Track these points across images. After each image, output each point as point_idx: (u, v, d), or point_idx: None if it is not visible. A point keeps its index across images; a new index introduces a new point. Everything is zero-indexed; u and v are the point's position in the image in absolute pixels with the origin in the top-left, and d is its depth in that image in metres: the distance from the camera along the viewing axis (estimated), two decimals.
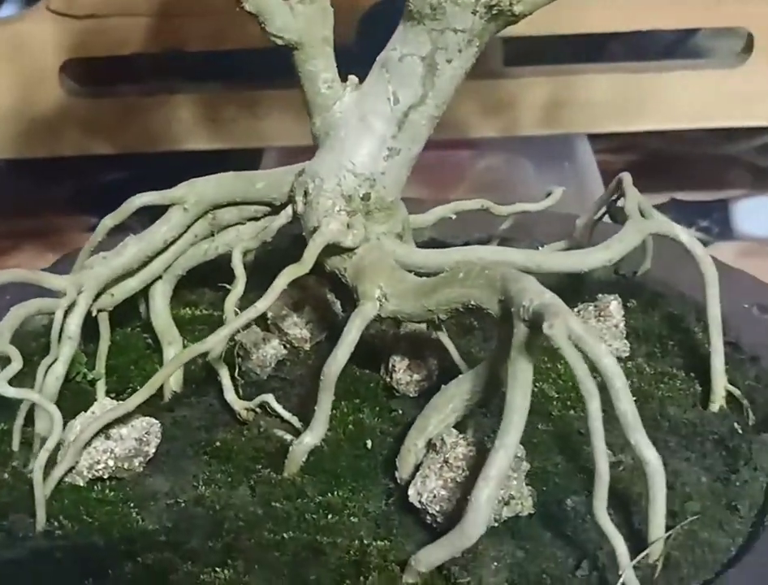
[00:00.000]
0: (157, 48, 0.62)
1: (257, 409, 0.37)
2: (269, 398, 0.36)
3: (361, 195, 0.36)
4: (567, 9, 0.58)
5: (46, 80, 0.63)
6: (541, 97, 0.63)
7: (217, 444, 0.36)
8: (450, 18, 0.35)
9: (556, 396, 0.37)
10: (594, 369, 0.29)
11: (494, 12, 0.35)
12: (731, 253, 0.68)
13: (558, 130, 0.63)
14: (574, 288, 0.42)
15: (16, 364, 0.32)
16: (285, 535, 0.33)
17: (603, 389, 0.29)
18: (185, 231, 0.38)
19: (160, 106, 0.64)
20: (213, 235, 0.39)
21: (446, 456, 0.32)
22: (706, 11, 0.60)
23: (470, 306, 0.33)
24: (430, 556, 0.30)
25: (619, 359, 0.39)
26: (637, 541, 0.31)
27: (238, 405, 0.37)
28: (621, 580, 0.29)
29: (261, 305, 0.34)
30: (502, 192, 0.46)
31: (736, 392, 0.37)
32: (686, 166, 0.77)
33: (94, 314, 0.37)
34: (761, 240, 0.69)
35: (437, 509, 0.32)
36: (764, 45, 0.60)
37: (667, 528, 0.31)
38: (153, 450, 0.35)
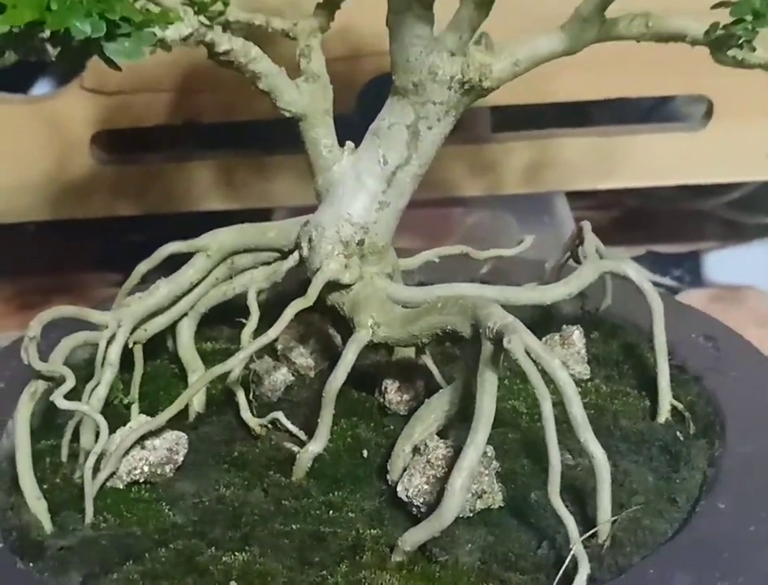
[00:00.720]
0: (177, 120, 0.69)
1: (269, 426, 0.43)
2: (280, 415, 0.42)
3: (357, 241, 0.42)
4: (544, 80, 0.65)
5: (78, 149, 0.69)
6: (523, 160, 0.69)
7: (235, 454, 0.42)
8: (430, 93, 0.42)
9: (525, 411, 0.43)
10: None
11: (467, 88, 0.42)
12: (702, 298, 0.74)
13: (538, 189, 0.69)
14: (544, 322, 0.48)
15: (70, 382, 0.38)
16: (293, 526, 0.38)
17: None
18: (207, 275, 0.45)
19: (179, 172, 0.70)
20: (231, 278, 0.45)
21: (429, 457, 0.38)
22: (670, 81, 0.66)
23: (447, 330, 0.39)
24: (414, 537, 0.36)
25: (581, 380, 0.45)
26: (590, 527, 0.37)
27: (252, 422, 0.43)
28: (571, 553, 0.34)
29: (273, 333, 0.40)
30: (488, 245, 0.51)
31: (679, 406, 0.42)
32: (661, 221, 0.83)
33: (130, 346, 0.44)
34: (729, 287, 0.75)
35: (421, 501, 0.37)
36: (722, 110, 0.67)
37: (616, 515, 0.37)
38: (181, 459, 0.41)
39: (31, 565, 0.36)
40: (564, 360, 0.45)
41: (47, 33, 0.32)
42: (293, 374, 0.46)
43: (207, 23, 0.40)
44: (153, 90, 0.68)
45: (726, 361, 0.45)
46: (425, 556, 0.36)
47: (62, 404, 0.37)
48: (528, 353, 0.35)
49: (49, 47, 0.35)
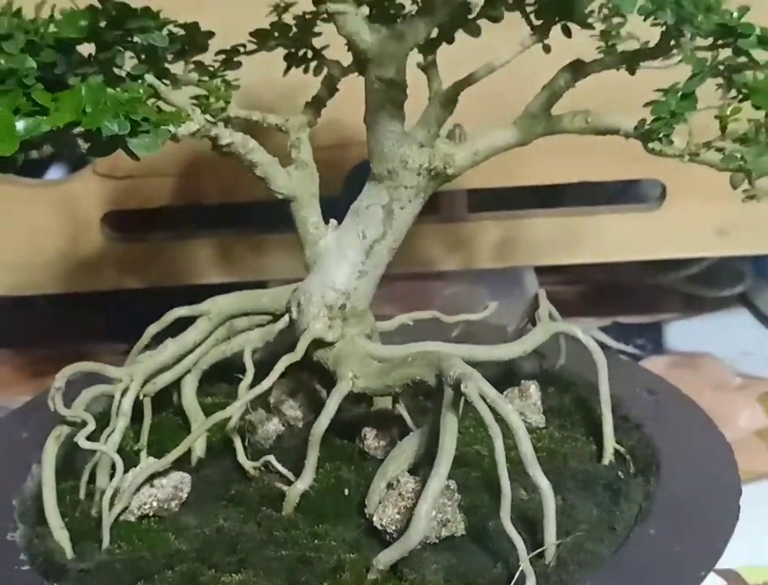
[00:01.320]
0: (181, 201, 0.75)
1: (262, 468, 0.48)
2: (271, 458, 0.48)
3: (339, 305, 0.48)
4: (515, 165, 0.72)
5: (89, 228, 0.75)
6: (495, 237, 0.75)
7: (232, 492, 0.47)
8: (402, 178, 0.48)
9: (486, 454, 0.48)
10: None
11: (433, 174, 0.48)
12: (662, 365, 0.80)
13: (509, 264, 0.75)
14: (506, 378, 0.54)
15: (91, 426, 0.44)
16: (283, 552, 0.43)
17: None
18: (209, 336, 0.51)
19: (182, 249, 0.76)
20: (229, 338, 0.51)
21: (400, 490, 0.44)
22: (627, 167, 0.73)
23: (416, 380, 0.45)
24: (386, 557, 0.41)
25: (537, 428, 0.51)
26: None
27: (247, 465, 0.49)
28: (520, 569, 0.40)
29: (266, 383, 0.46)
30: (463, 313, 0.58)
31: (621, 449, 0.48)
32: (626, 295, 0.89)
33: (141, 398, 0.50)
34: (687, 355, 0.81)
35: (394, 528, 0.43)
36: (675, 193, 0.74)
37: (561, 540, 0.43)
38: (185, 496, 0.47)
39: (55, 584, 0.42)
40: (522, 410, 0.51)
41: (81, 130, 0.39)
42: (283, 425, 0.52)
43: (212, 119, 0.47)
44: (160, 175, 0.74)
45: (664, 412, 0.51)
46: (397, 575, 0.42)
47: (85, 444, 0.43)
48: (484, 399, 0.42)
49: (80, 142, 0.41)
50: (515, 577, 0.40)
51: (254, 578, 0.42)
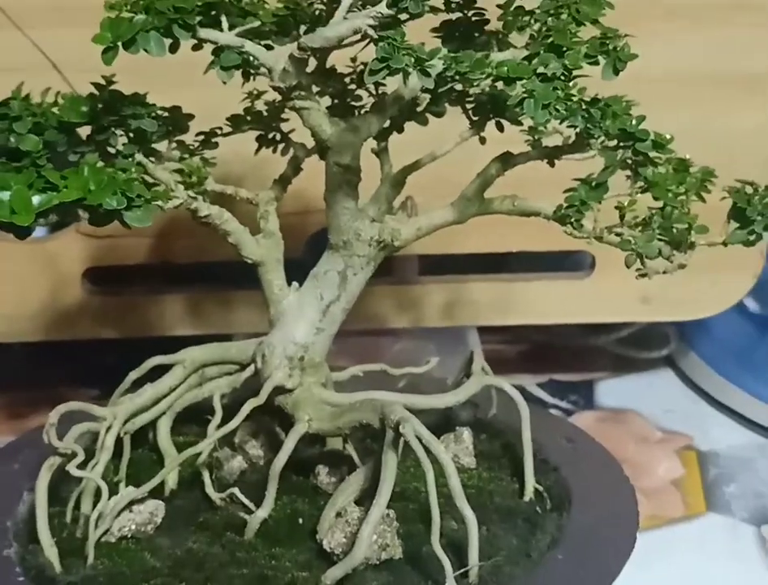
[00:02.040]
0: (155, 260, 0.82)
1: (227, 499, 0.55)
2: (236, 490, 0.54)
3: (299, 357, 0.55)
4: (460, 236, 0.79)
5: (70, 282, 0.81)
6: (441, 299, 0.83)
7: (201, 519, 0.53)
8: (355, 248, 0.55)
9: (423, 491, 0.54)
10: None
11: (382, 245, 0.56)
12: (591, 419, 0.87)
13: (453, 323, 0.83)
14: (444, 425, 0.61)
15: (80, 456, 0.51)
16: (244, 570, 0.49)
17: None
18: (183, 382, 0.58)
19: (154, 303, 0.83)
20: (201, 385, 0.58)
21: (347, 518, 0.51)
22: (560, 239, 0.81)
23: (363, 423, 0.52)
24: (333, 573, 0.48)
25: (468, 469, 0.58)
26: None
27: (214, 496, 0.55)
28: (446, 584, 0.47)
29: (233, 423, 0.53)
30: (408, 367, 0.65)
31: (540, 488, 0.56)
32: (561, 354, 0.97)
33: (122, 435, 0.56)
34: (615, 410, 0.89)
35: (340, 550, 0.50)
36: (602, 263, 0.82)
37: (483, 563, 0.50)
38: (160, 521, 0.53)
39: None
40: (456, 453, 0.58)
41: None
42: (246, 462, 0.59)
43: (192, 195, 0.54)
44: (136, 235, 0.80)
45: (579, 457, 0.58)
46: None
47: (75, 472, 0.50)
48: (419, 440, 0.49)
49: (81, 213, 0.49)
50: None
51: None
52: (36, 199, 0.44)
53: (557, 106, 0.45)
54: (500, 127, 0.56)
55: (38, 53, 0.77)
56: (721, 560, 0.68)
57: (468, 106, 0.56)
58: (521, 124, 0.55)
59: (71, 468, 0.50)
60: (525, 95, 0.45)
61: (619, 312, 0.84)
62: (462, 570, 0.48)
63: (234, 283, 0.83)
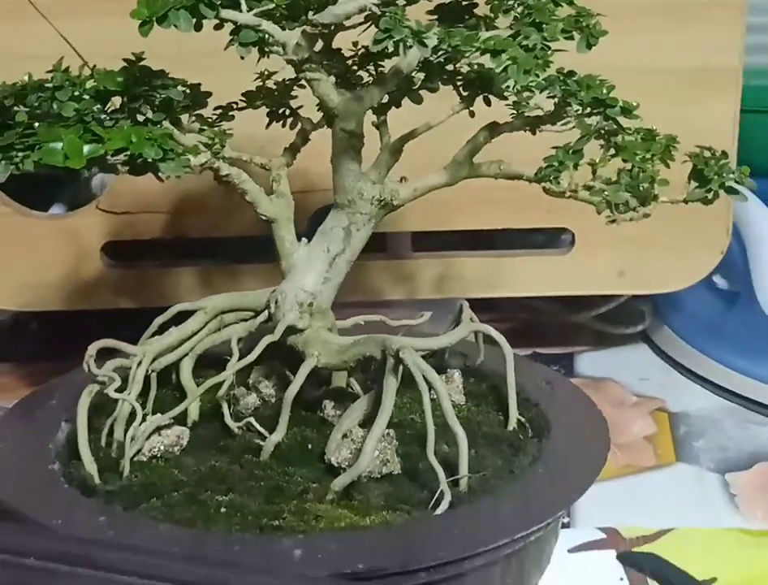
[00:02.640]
0: (169, 235, 0.89)
1: (244, 428, 0.62)
2: (252, 420, 0.61)
3: (308, 303, 0.62)
4: (450, 213, 0.87)
5: (90, 256, 0.88)
6: (433, 273, 0.90)
7: (221, 444, 0.60)
8: (359, 206, 0.62)
9: (419, 421, 0.62)
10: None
11: (383, 204, 0.62)
12: None
13: (444, 296, 0.90)
14: (438, 370, 0.68)
15: (118, 381, 0.57)
16: (261, 483, 0.55)
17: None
18: (203, 327, 0.65)
19: (169, 276, 0.89)
20: (219, 329, 0.65)
21: (352, 438, 0.57)
22: (542, 217, 0.88)
23: (366, 356, 0.59)
24: (340, 481, 0.54)
25: (458, 405, 0.65)
26: (456, 482, 0.56)
27: (233, 425, 0.61)
28: (440, 490, 0.54)
29: (250, 357, 0.59)
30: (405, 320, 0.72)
31: (522, 419, 0.63)
32: (545, 330, 1.04)
33: (149, 372, 0.63)
34: (593, 378, 0.96)
35: (346, 464, 0.56)
36: (581, 239, 0.89)
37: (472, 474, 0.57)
38: (185, 444, 0.60)
39: (89, 498, 0.55)
40: (448, 392, 0.65)
41: (124, 156, 0.53)
42: (260, 400, 0.65)
43: (215, 156, 0.61)
44: (152, 212, 0.88)
45: (557, 395, 0.65)
46: (348, 497, 0.55)
47: (113, 394, 0.57)
48: (418, 367, 0.56)
49: (119, 166, 0.56)
50: (436, 496, 0.53)
51: (239, 498, 0.55)
52: (86, 148, 0.51)
53: (537, 72, 0.53)
54: (488, 102, 0.63)
55: (63, 41, 0.84)
56: (689, 501, 0.74)
57: (459, 83, 0.63)
58: (506, 99, 0.62)
59: (110, 391, 0.57)
60: (509, 62, 0.52)
61: (597, 285, 0.91)
62: (453, 478, 0.54)
63: (241, 257, 0.90)
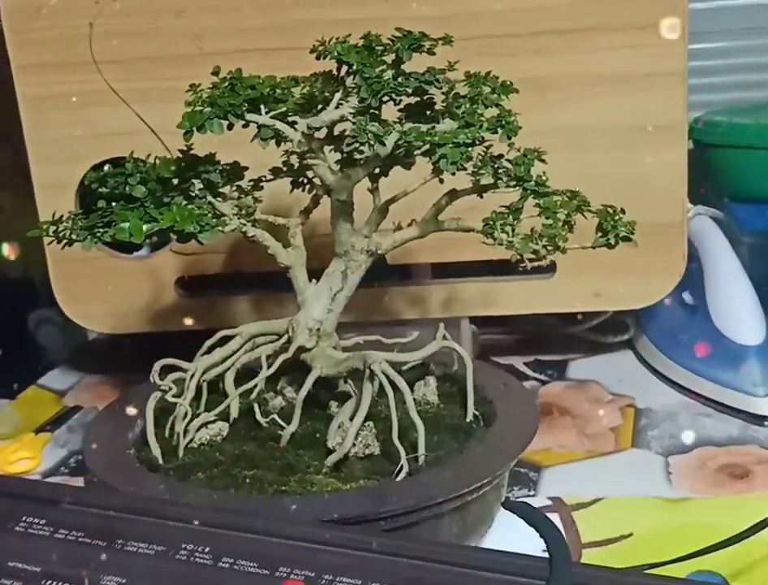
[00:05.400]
0: (228, 270, 1.10)
1: (270, 423, 0.83)
2: (275, 416, 0.82)
3: (316, 329, 0.83)
4: (455, 248, 1.07)
5: (166, 289, 1.08)
6: (441, 296, 1.11)
7: (252, 434, 0.81)
8: (352, 256, 0.82)
9: (399, 416, 0.83)
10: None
11: (370, 253, 0.83)
12: (560, 387, 1.11)
13: (450, 314, 1.10)
14: (422, 376, 0.88)
15: (174, 390, 0.79)
16: (278, 462, 0.76)
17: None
18: (241, 347, 0.86)
19: (228, 304, 1.09)
20: (253, 349, 0.87)
21: (344, 427, 0.78)
22: None
23: (354, 368, 0.80)
24: (332, 458, 0.75)
25: (432, 402, 0.85)
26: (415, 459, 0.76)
27: (262, 420, 0.82)
28: (401, 463, 0.74)
29: (271, 369, 0.81)
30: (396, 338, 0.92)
31: (477, 413, 0.83)
32: (546, 340, 1.23)
33: (201, 383, 0.85)
34: (579, 381, 1.14)
35: (338, 447, 0.78)
36: (563, 266, 1.08)
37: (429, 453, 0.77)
38: (225, 435, 0.81)
39: (153, 473, 0.77)
40: (425, 393, 0.85)
41: (172, 232, 0.75)
42: (285, 402, 0.86)
43: (243, 222, 0.82)
44: (214, 252, 1.09)
45: (509, 394, 0.85)
46: (338, 470, 0.75)
47: (171, 399, 0.79)
48: (386, 375, 0.76)
49: (171, 235, 0.77)
50: (398, 467, 0.74)
51: (260, 473, 0.76)
52: (144, 227, 0.73)
53: (461, 162, 0.72)
54: (452, 174, 0.82)
55: (138, 120, 1.07)
56: (631, 478, 0.93)
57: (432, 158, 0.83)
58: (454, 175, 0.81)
59: (169, 396, 0.79)
60: (440, 157, 0.73)
61: (576, 303, 1.10)
62: (412, 456, 0.75)
63: (286, 287, 1.11)
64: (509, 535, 0.80)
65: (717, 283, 1.07)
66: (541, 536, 0.59)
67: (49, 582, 0.60)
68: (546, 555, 0.58)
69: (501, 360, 1.20)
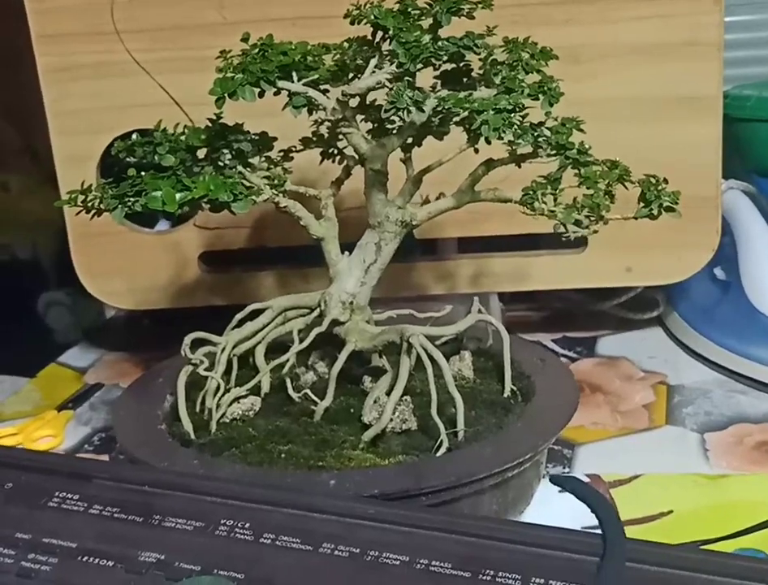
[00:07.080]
0: (252, 245, 1.08)
1: (303, 398, 0.81)
2: (308, 391, 0.81)
3: (349, 302, 0.81)
4: (481, 223, 1.05)
5: (189, 264, 1.07)
6: (470, 271, 1.08)
7: (285, 410, 0.79)
8: (386, 227, 0.80)
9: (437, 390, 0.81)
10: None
11: (404, 224, 0.81)
12: (590, 364, 1.11)
13: (479, 290, 1.08)
14: (457, 351, 0.86)
15: (207, 363, 0.77)
16: (313, 437, 0.74)
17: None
18: (272, 321, 0.84)
19: (252, 279, 1.07)
20: (284, 323, 0.85)
21: (380, 402, 0.76)
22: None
23: (390, 341, 0.78)
24: (369, 433, 0.73)
25: (468, 377, 0.83)
26: (455, 434, 0.75)
27: (294, 395, 0.81)
28: (440, 438, 0.72)
29: (305, 343, 0.79)
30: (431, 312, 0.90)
31: (515, 388, 0.81)
32: (574, 317, 1.21)
33: (231, 357, 0.83)
34: (609, 358, 1.13)
35: (374, 422, 0.75)
36: (594, 241, 1.06)
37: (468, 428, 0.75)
38: (258, 409, 0.79)
39: (186, 448, 0.75)
40: (460, 368, 0.83)
41: (206, 200, 0.73)
42: (316, 377, 0.85)
43: (276, 192, 0.80)
44: (238, 227, 1.07)
45: (546, 370, 0.83)
46: (375, 446, 0.74)
47: (203, 372, 0.77)
48: (424, 348, 0.74)
49: (204, 204, 0.75)
50: (438, 442, 0.72)
51: (295, 448, 0.74)
52: (178, 195, 0.71)
53: (504, 129, 0.70)
54: (488, 142, 0.80)
55: (161, 92, 1.04)
56: (668, 455, 0.91)
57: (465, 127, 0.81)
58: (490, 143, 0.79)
59: (200, 370, 0.77)
60: (482, 123, 0.70)
61: (608, 279, 1.08)
62: (452, 431, 0.73)
63: (310, 261, 1.09)
64: (547, 511, 0.78)
65: (751, 257, 1.05)
66: (593, 511, 0.57)
67: (86, 558, 0.58)
68: (599, 531, 0.56)
69: (528, 337, 1.18)
